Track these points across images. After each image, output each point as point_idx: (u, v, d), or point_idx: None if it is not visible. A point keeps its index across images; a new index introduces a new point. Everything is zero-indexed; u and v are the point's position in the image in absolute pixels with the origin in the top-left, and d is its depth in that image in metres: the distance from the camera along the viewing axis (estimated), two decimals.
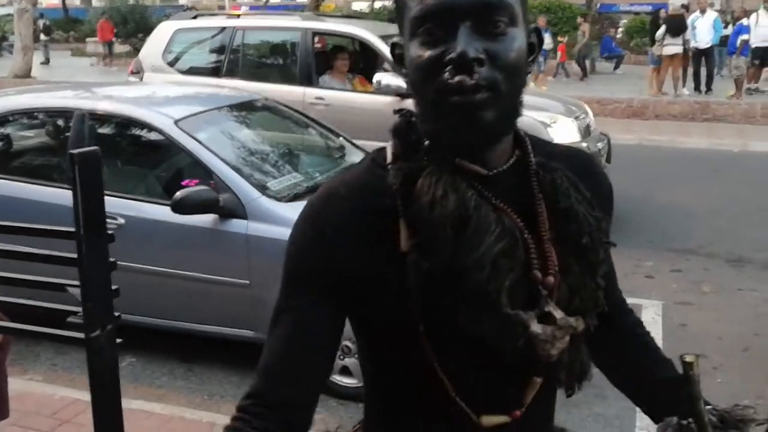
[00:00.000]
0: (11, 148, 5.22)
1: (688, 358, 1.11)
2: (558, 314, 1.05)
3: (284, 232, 3.95)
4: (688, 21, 15.76)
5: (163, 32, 8.46)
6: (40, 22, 26.73)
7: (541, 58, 16.91)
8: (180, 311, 4.40)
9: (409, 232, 1.05)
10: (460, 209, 1.02)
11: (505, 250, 1.02)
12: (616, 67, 22.49)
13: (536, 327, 1.03)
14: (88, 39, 30.58)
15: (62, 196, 3.99)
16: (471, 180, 1.05)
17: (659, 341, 1.51)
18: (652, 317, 5.13)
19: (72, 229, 1.15)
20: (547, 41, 17.67)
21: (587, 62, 21.23)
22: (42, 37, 26.41)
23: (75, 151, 1.09)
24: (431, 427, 1.16)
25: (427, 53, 1.02)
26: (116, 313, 1.33)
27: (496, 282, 1.02)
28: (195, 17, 9.00)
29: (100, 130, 4.86)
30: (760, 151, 11.49)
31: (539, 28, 1.13)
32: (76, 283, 1.20)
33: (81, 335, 1.12)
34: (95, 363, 1.14)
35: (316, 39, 8.19)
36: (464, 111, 1.00)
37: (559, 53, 21.41)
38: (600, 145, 7.79)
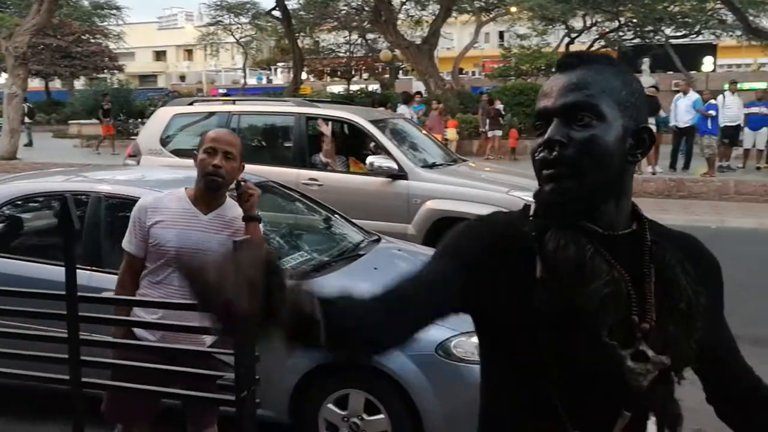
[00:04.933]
0: (23, 230, 5.35)
1: None
2: (650, 352, 1.30)
3: None
4: (672, 101, 16.41)
5: (160, 117, 8.70)
6: (24, 106, 27.01)
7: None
8: None
9: (542, 267, 1.33)
10: (578, 256, 1.30)
11: (612, 294, 1.29)
12: None
13: (630, 362, 1.29)
14: (70, 121, 30.92)
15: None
16: (592, 238, 1.33)
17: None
18: None
19: None
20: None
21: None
22: (26, 119, 26.65)
23: (236, 240, 1.27)
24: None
25: (537, 140, 1.37)
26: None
27: (601, 317, 1.28)
28: (191, 103, 9.26)
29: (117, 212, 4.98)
30: (736, 227, 11.84)
31: (648, 128, 1.40)
32: (231, 351, 1.38)
33: (231, 397, 1.29)
34: (244, 417, 1.31)
35: (318, 122, 8.44)
36: (548, 181, 1.33)
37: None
38: None
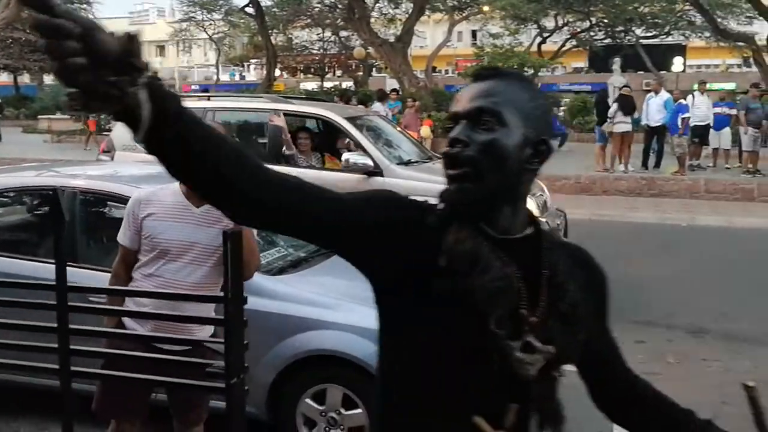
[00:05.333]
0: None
1: (750, 383, 1.49)
2: (537, 343, 1.41)
3: (274, 306, 4.07)
4: (644, 100, 16.61)
5: None
6: None
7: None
8: None
9: (444, 257, 1.41)
10: (474, 251, 1.39)
11: (502, 288, 1.39)
12: (560, 145, 23.24)
13: (518, 352, 1.39)
14: (39, 116, 30.54)
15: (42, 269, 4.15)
16: (489, 237, 1.43)
17: None
18: None
19: (221, 295, 1.37)
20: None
21: None
22: None
23: (227, 231, 1.30)
24: (434, 415, 1.44)
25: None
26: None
27: (491, 308, 1.37)
28: None
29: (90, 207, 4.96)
30: (706, 225, 12.00)
31: (548, 140, 1.47)
32: (221, 340, 1.42)
33: (221, 384, 1.34)
34: (233, 405, 1.36)
35: (270, 117, 8.41)
36: (452, 181, 1.43)
37: None
38: (558, 221, 8.09)
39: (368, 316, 3.98)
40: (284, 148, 8.22)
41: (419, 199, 1.51)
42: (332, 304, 4.11)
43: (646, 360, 5.92)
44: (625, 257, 9.52)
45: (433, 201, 1.49)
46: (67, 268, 4.38)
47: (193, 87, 49.81)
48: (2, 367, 2.19)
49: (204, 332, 3.26)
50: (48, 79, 46.99)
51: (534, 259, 1.46)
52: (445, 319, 1.38)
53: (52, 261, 4.25)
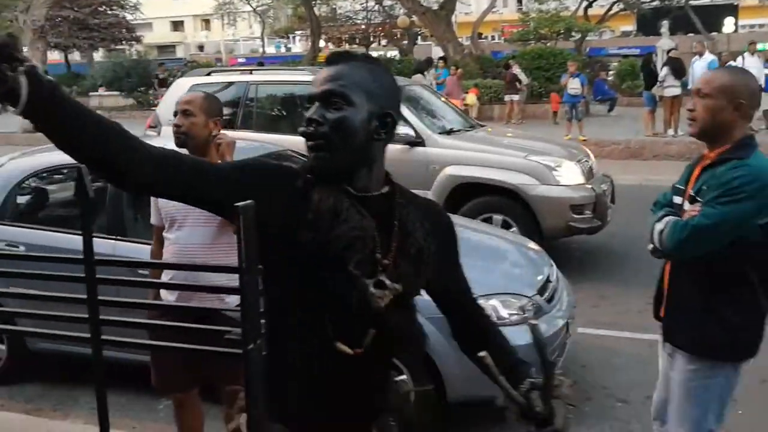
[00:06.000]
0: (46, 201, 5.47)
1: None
2: (387, 281, 1.69)
3: None
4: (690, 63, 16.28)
5: (179, 87, 8.67)
6: None
7: (574, 109, 17.36)
8: None
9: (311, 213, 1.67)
10: (335, 206, 1.66)
11: (359, 236, 1.66)
12: (610, 110, 22.90)
13: (372, 288, 1.67)
14: (91, 93, 31.07)
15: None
16: (350, 195, 1.70)
17: None
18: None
19: (236, 266, 1.49)
20: (577, 86, 17.67)
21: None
22: None
23: (239, 205, 1.40)
24: (308, 342, 1.71)
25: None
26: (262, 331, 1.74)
27: (349, 253, 1.64)
28: (209, 74, 9.28)
29: None
30: None
31: (392, 115, 1.74)
32: (237, 309, 1.56)
33: (238, 350, 1.50)
34: (250, 369, 1.49)
35: None
36: (310, 152, 1.69)
37: None
38: (604, 186, 7.99)
39: None
40: None
41: (289, 166, 1.77)
42: None
43: None
44: None
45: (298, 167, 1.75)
46: (116, 242, 4.57)
47: (239, 60, 50.12)
48: (40, 336, 2.35)
49: (231, 299, 3.31)
50: (97, 56, 47.73)
51: (389, 212, 1.74)
52: (314, 265, 1.64)
53: (103, 235, 4.45)
